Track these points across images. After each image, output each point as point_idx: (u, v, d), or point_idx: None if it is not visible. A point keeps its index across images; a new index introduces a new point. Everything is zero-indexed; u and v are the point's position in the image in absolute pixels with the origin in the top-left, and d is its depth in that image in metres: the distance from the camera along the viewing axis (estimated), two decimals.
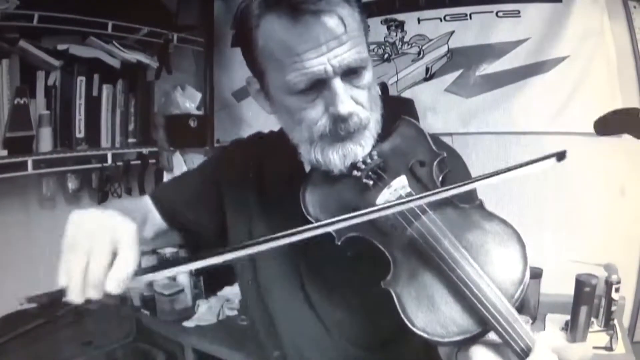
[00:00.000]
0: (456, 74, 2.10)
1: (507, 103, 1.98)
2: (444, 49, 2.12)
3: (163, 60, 2.45)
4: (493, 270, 0.69)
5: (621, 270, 1.70)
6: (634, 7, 1.78)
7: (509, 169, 0.72)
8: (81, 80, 2.22)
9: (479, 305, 0.66)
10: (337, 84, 0.79)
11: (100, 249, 0.64)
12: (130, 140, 2.47)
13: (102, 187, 2.34)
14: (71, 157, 2.22)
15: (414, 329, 0.68)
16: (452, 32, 2.09)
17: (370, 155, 0.86)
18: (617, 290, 1.67)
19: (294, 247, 0.95)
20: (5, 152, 1.94)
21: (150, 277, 0.67)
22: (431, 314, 0.69)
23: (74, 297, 0.65)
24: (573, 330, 1.64)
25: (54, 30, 2.03)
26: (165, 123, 2.47)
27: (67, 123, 2.20)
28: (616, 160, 1.83)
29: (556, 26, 1.86)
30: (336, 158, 0.84)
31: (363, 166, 0.85)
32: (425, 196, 0.73)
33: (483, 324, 0.66)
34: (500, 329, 0.64)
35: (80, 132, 2.24)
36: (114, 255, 0.64)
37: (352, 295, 0.92)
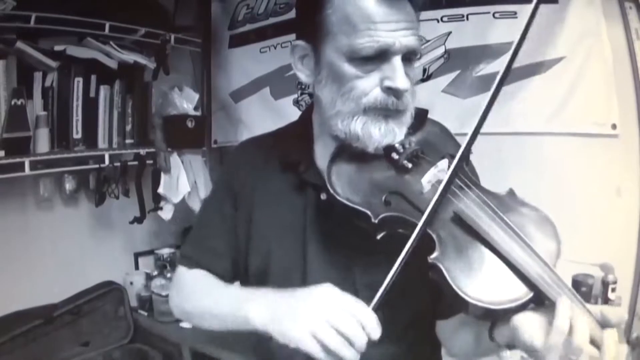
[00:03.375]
0: (453, 74, 2.10)
1: (503, 104, 1.98)
2: (441, 50, 2.12)
3: (160, 61, 2.44)
4: (533, 244, 0.74)
5: (617, 270, 1.70)
6: (630, 7, 1.78)
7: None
8: (78, 81, 2.22)
9: (530, 271, 0.70)
10: (398, 60, 0.83)
11: (346, 322, 0.75)
12: (128, 141, 2.46)
13: (99, 188, 2.34)
14: (68, 158, 2.22)
15: (468, 298, 0.70)
16: (449, 33, 2.10)
17: (407, 140, 0.90)
18: (613, 290, 1.68)
19: (303, 228, 0.97)
20: (2, 153, 1.93)
21: None
22: (484, 283, 0.72)
23: None
24: None
25: (51, 31, 2.03)
26: (163, 124, 2.46)
27: (64, 124, 2.19)
28: (612, 161, 1.83)
29: (552, 27, 1.86)
30: (377, 134, 0.86)
31: (402, 149, 0.88)
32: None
33: (534, 288, 0.69)
34: (552, 292, 0.68)
35: (77, 133, 2.23)
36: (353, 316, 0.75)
37: (366, 284, 0.90)
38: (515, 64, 1.99)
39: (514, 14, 1.94)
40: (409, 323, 0.96)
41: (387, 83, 0.84)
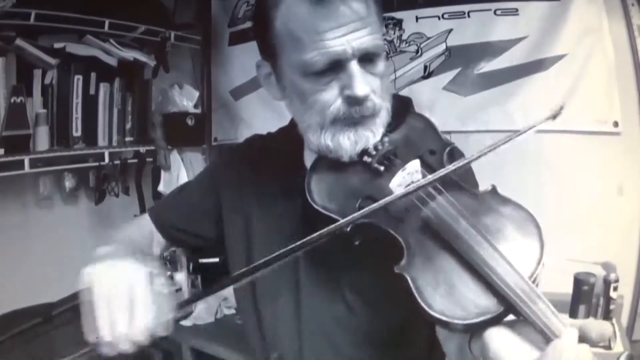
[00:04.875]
0: (454, 72, 2.10)
1: (505, 101, 1.97)
2: (442, 47, 2.12)
3: (160, 59, 2.44)
4: (510, 250, 0.68)
5: (619, 268, 1.69)
6: (632, 4, 1.78)
7: (510, 138, 0.76)
8: (78, 79, 2.21)
9: (500, 284, 0.64)
10: (355, 66, 0.79)
11: (119, 304, 0.71)
12: (128, 138, 2.46)
13: (99, 186, 2.34)
14: (68, 155, 2.21)
15: (432, 312, 0.66)
16: (451, 30, 2.09)
17: (381, 141, 0.86)
18: (615, 289, 1.67)
19: (291, 241, 0.95)
20: (1, 151, 1.93)
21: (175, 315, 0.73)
22: (449, 296, 0.67)
23: (107, 351, 0.71)
24: None
25: (50, 28, 2.02)
26: (163, 121, 2.46)
27: (64, 122, 2.19)
28: (614, 159, 1.83)
29: (554, 24, 1.86)
30: (347, 143, 0.83)
31: (374, 152, 0.85)
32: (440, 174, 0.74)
33: (505, 303, 0.64)
34: (523, 307, 0.62)
35: (77, 131, 2.23)
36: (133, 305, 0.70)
37: (356, 290, 0.90)
38: (517, 61, 1.99)
39: (515, 11, 1.93)
40: (403, 326, 0.94)
41: (346, 92, 0.80)
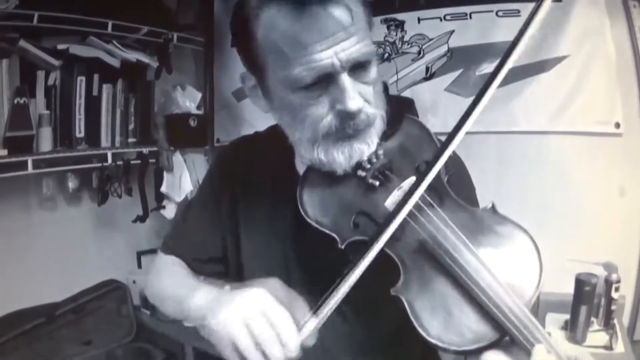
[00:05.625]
0: (456, 73, 2.10)
1: (507, 103, 1.97)
2: (444, 48, 2.12)
3: (163, 60, 2.45)
4: (508, 275, 0.67)
5: (621, 269, 1.69)
6: (634, 6, 1.78)
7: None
8: (81, 80, 2.21)
9: (495, 311, 0.64)
10: (345, 79, 0.74)
11: (266, 337, 0.72)
12: (130, 139, 2.46)
13: (102, 187, 2.34)
14: (71, 156, 2.22)
15: (429, 338, 0.66)
16: (452, 32, 2.09)
17: (375, 154, 0.81)
18: (617, 289, 1.67)
19: (286, 254, 0.94)
20: (5, 152, 1.93)
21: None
22: (446, 322, 0.67)
23: None
24: (573, 329, 1.64)
25: (53, 30, 2.03)
26: (166, 122, 2.47)
27: (67, 123, 2.19)
28: (616, 159, 1.83)
29: (556, 26, 1.86)
30: (341, 158, 0.79)
31: (368, 165, 0.80)
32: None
33: (500, 330, 0.64)
34: (518, 335, 0.62)
35: (80, 132, 2.23)
36: (272, 325, 0.72)
37: (349, 301, 0.86)
38: (519, 63, 1.99)
39: (517, 12, 1.94)
40: (396, 336, 0.92)
41: (338, 107, 0.75)
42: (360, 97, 0.77)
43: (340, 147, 0.79)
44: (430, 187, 0.75)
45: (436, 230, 0.72)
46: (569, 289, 1.66)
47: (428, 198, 0.76)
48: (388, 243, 0.73)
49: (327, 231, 0.79)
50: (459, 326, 0.66)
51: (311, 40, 0.72)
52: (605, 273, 1.69)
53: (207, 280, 0.98)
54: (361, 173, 0.81)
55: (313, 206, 0.82)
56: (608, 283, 1.68)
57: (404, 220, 0.73)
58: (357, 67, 0.76)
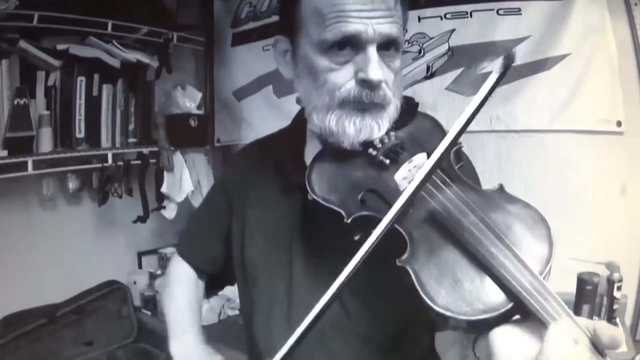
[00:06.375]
0: (457, 72, 2.10)
1: (508, 101, 1.97)
2: (445, 47, 2.11)
3: (163, 60, 2.45)
4: (519, 248, 0.65)
5: (623, 268, 1.69)
6: (635, 4, 1.77)
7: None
8: (81, 80, 2.22)
9: (509, 278, 0.61)
10: (373, 50, 0.78)
11: None
12: (131, 140, 2.46)
13: (102, 187, 2.34)
14: (71, 157, 2.22)
15: (436, 307, 0.63)
16: (453, 30, 2.09)
17: (387, 135, 0.84)
18: (619, 288, 1.67)
19: (290, 230, 0.96)
20: (5, 153, 1.94)
21: None
22: (454, 291, 0.64)
23: None
24: None
25: (53, 30, 2.03)
26: (166, 123, 2.46)
27: (67, 123, 2.20)
28: (617, 158, 1.82)
29: (557, 24, 1.85)
30: (352, 129, 0.82)
31: (380, 145, 0.83)
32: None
33: (514, 299, 0.61)
34: (535, 304, 0.59)
35: (80, 132, 2.24)
36: None
37: (353, 291, 0.86)
38: (520, 61, 1.99)
39: (517, 11, 1.93)
40: (400, 332, 0.92)
41: (361, 75, 0.79)
42: (382, 72, 0.80)
43: (353, 117, 0.82)
44: (441, 169, 0.76)
45: (448, 201, 0.72)
46: (571, 288, 1.65)
47: (437, 179, 0.76)
48: (396, 217, 0.71)
49: (334, 207, 0.79)
50: (468, 295, 0.63)
51: (355, 6, 0.77)
52: (607, 272, 1.69)
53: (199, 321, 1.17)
54: (372, 152, 0.83)
55: (320, 185, 0.83)
56: (610, 282, 1.67)
57: (414, 195, 0.72)
58: (387, 46, 0.81)
